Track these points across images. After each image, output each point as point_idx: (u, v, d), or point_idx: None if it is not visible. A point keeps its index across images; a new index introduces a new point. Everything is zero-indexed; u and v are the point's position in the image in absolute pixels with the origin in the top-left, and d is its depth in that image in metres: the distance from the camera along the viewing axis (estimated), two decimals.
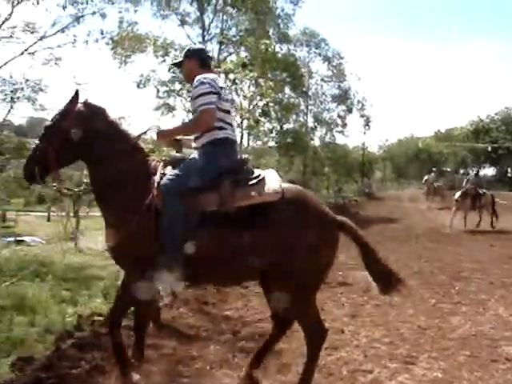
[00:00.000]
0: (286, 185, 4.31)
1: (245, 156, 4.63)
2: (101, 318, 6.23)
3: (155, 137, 4.54)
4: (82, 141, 4.25)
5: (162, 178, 4.15)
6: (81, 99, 4.36)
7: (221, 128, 4.29)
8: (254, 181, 4.15)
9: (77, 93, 4.36)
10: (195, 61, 4.53)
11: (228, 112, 4.41)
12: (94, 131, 4.29)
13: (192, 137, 4.51)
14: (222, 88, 4.36)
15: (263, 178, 4.19)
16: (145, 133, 4.78)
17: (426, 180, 32.75)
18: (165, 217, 4.00)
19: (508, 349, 5.74)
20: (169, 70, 20.24)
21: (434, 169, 36.98)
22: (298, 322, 4.35)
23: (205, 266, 4.07)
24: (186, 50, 4.70)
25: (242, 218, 4.01)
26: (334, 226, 4.34)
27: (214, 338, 5.97)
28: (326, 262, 4.31)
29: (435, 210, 27.93)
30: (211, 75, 4.35)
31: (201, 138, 4.34)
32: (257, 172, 4.28)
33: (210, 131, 4.28)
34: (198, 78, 4.31)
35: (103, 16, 14.03)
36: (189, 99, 21.47)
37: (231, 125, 4.44)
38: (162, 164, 4.37)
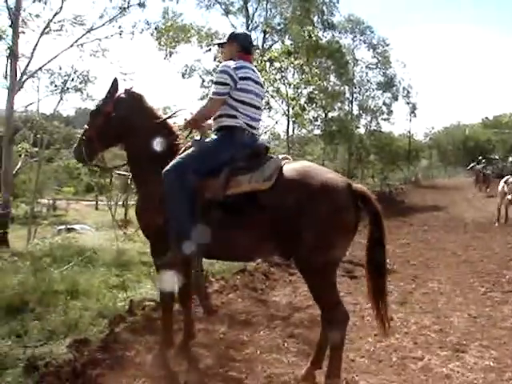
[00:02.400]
0: (291, 164, 4.28)
1: (263, 144, 4.66)
2: (152, 303, 6.36)
3: (183, 125, 4.81)
4: (120, 124, 4.75)
5: None
6: (121, 87, 4.80)
7: (231, 116, 4.43)
8: (253, 169, 4.19)
9: (115, 80, 4.82)
10: (236, 45, 4.61)
11: (248, 104, 4.47)
12: (130, 115, 4.75)
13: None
14: (246, 78, 4.44)
15: (263, 165, 4.19)
16: (174, 114, 5.02)
17: (471, 167, 32.16)
18: (168, 197, 4.25)
19: None
20: (214, 60, 20.29)
21: (481, 158, 36.27)
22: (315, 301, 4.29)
23: (212, 243, 4.16)
24: (229, 33, 4.75)
25: (238, 203, 4.10)
26: (339, 205, 4.01)
27: (264, 323, 6.03)
28: (333, 237, 4.01)
29: (483, 199, 27.39)
30: (236, 64, 4.43)
31: (215, 124, 4.59)
32: (267, 160, 4.28)
33: (221, 118, 4.49)
34: (221, 64, 4.53)
35: (142, 6, 14.10)
36: None
37: (252, 117, 4.51)
38: (184, 147, 4.60)
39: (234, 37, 4.67)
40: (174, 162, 4.32)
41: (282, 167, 4.17)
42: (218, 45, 5.10)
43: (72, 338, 5.15)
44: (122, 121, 4.75)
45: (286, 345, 5.26)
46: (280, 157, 4.42)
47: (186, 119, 4.75)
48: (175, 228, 4.24)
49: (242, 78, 4.40)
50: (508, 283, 8.27)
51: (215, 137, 4.55)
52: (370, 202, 4.11)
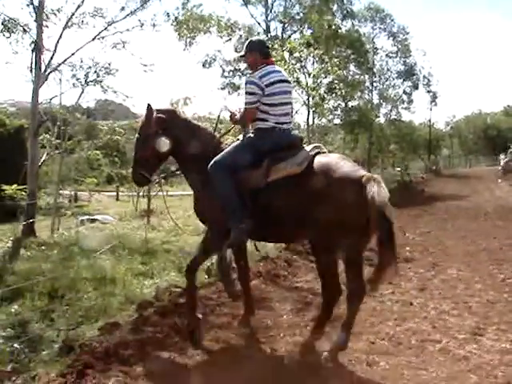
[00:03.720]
0: (324, 156, 4.93)
1: (297, 136, 5.51)
2: (177, 290, 6.57)
3: (228, 117, 5.56)
4: (165, 138, 5.34)
5: None
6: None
7: (263, 119, 5.12)
8: (288, 157, 4.88)
9: (149, 105, 5.38)
10: (256, 53, 5.24)
11: (276, 104, 5.10)
12: (172, 129, 5.40)
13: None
14: (272, 83, 5.06)
15: (297, 153, 4.90)
16: (219, 116, 5.84)
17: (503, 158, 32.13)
18: (218, 188, 4.97)
19: None
20: (235, 50, 20.45)
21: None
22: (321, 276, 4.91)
23: (258, 225, 4.89)
24: (247, 43, 5.39)
25: (278, 186, 4.79)
26: (355, 187, 4.39)
27: (287, 308, 6.24)
28: (348, 218, 4.44)
29: (505, 188, 27.27)
30: (261, 73, 5.07)
31: (251, 127, 5.29)
32: (300, 150, 4.98)
33: (254, 122, 5.19)
34: (248, 77, 5.33)
35: None
36: None
37: (280, 114, 5.14)
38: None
39: (252, 47, 5.30)
40: (216, 157, 5.05)
41: (314, 156, 4.84)
42: (241, 56, 5.60)
43: (103, 321, 5.39)
44: (168, 134, 5.36)
45: (308, 328, 5.41)
46: (311, 146, 5.03)
47: (231, 114, 5.51)
48: (228, 212, 4.92)
49: (267, 85, 5.03)
50: None
51: (252, 136, 5.21)
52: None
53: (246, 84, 5.20)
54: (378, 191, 4.27)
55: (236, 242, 5.06)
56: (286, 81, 5.28)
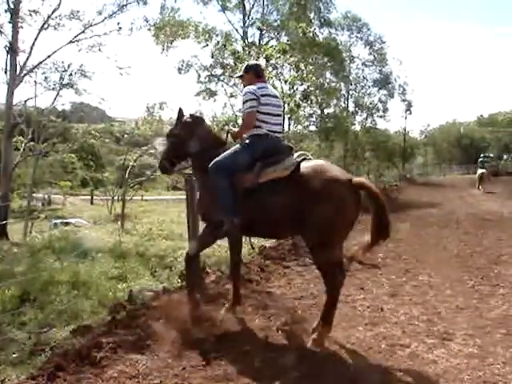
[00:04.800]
0: (308, 162, 5.53)
1: (286, 144, 6.23)
2: (150, 293, 6.58)
3: (230, 137, 6.21)
4: (188, 141, 6.12)
5: None
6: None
7: (258, 127, 5.71)
8: (277, 162, 5.50)
9: (181, 109, 6.29)
10: (252, 74, 6.00)
11: (269, 114, 5.75)
12: (194, 133, 6.13)
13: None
14: (265, 95, 5.74)
15: (285, 159, 5.52)
16: (227, 133, 6.34)
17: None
18: (215, 186, 5.58)
19: None
20: (212, 57, 20.48)
21: (484, 155, 36.66)
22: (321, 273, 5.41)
23: (249, 221, 5.53)
24: (244, 66, 6.23)
25: (268, 187, 5.40)
26: (347, 189, 5.19)
27: (260, 312, 6.29)
28: (334, 217, 5.14)
29: (477, 196, 27.67)
30: (256, 86, 5.76)
31: (247, 133, 5.87)
32: (288, 156, 5.59)
33: (252, 129, 5.75)
34: (245, 88, 5.91)
35: (145, 3, 14.22)
36: (230, 83, 21.87)
37: (273, 123, 5.80)
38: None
39: (249, 68, 6.07)
40: (217, 159, 5.67)
41: (300, 162, 5.46)
42: (239, 76, 6.49)
43: (75, 324, 5.39)
44: (191, 138, 6.12)
45: (279, 332, 5.51)
46: (297, 153, 5.70)
47: (233, 132, 6.19)
48: (223, 207, 5.54)
49: (262, 95, 5.71)
50: (496, 277, 8.45)
51: (247, 141, 5.80)
52: (370, 192, 5.26)
53: (244, 94, 5.81)
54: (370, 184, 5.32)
55: (228, 233, 5.73)
56: (277, 96, 6.04)
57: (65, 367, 4.25)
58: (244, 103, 5.75)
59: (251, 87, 5.75)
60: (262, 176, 5.46)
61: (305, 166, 5.39)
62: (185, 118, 6.30)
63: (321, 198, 5.12)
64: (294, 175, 5.35)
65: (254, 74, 6.00)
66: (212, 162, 5.64)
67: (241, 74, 6.31)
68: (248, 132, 5.82)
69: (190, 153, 6.20)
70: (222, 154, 5.73)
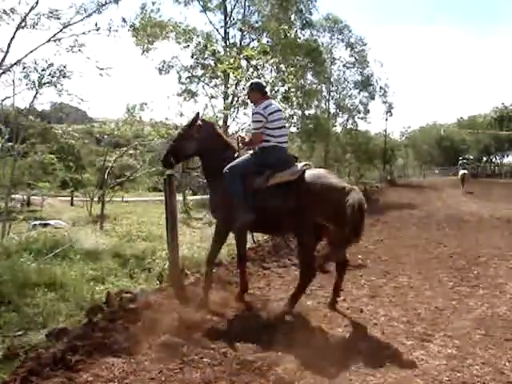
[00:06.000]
0: (312, 170, 6.54)
1: (292, 155, 7.16)
2: (128, 295, 6.51)
3: (240, 144, 7.05)
4: (197, 142, 6.89)
5: None
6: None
7: (267, 140, 6.65)
8: (284, 170, 6.42)
9: (197, 114, 7.09)
10: (257, 92, 6.87)
11: (275, 128, 6.65)
12: (205, 137, 6.89)
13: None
14: (272, 112, 6.62)
15: (290, 167, 6.46)
16: (238, 140, 7.17)
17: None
18: (229, 187, 6.46)
19: None
20: (192, 57, 20.39)
21: (462, 157, 37.06)
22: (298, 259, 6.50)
23: (259, 218, 6.37)
24: (250, 85, 7.07)
25: (277, 189, 6.32)
26: (340, 195, 5.99)
27: (239, 313, 6.27)
28: (331, 221, 6.08)
29: (457, 197, 27.88)
30: (263, 105, 6.65)
31: (257, 146, 6.79)
32: (293, 165, 6.55)
33: (261, 143, 6.69)
34: (254, 108, 6.78)
35: (116, 1, 14.03)
36: (211, 84, 21.84)
37: (279, 136, 6.70)
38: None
39: (254, 87, 6.92)
40: (231, 164, 6.56)
41: (305, 170, 6.39)
42: (246, 95, 7.44)
43: (51, 327, 5.29)
44: (199, 141, 6.89)
45: (258, 332, 5.50)
46: (302, 163, 6.65)
47: (243, 141, 7.04)
48: (235, 205, 6.39)
49: (269, 114, 6.60)
50: (475, 278, 8.50)
51: (257, 151, 6.73)
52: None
53: (252, 114, 6.77)
54: (356, 196, 5.99)
55: (239, 228, 6.68)
56: (280, 110, 6.89)
57: (38, 371, 4.17)
58: (253, 122, 6.73)
59: (260, 109, 6.62)
60: (271, 180, 6.40)
61: (308, 173, 6.33)
62: (198, 121, 6.98)
63: (319, 200, 6.05)
64: (300, 180, 6.26)
65: (260, 93, 6.84)
66: (226, 167, 6.51)
67: (247, 92, 7.11)
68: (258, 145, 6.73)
69: (201, 154, 7.02)
70: (236, 160, 6.65)
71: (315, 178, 6.25)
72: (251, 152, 6.83)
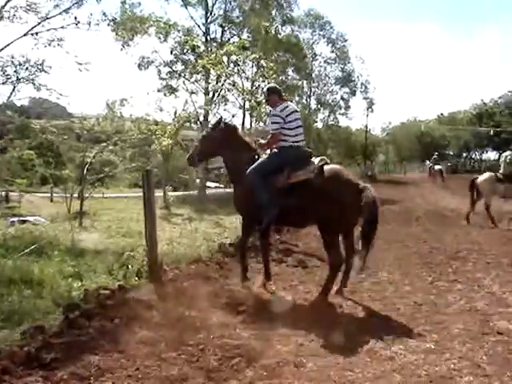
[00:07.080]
0: (329, 166, 6.99)
1: (309, 151, 7.48)
2: (106, 292, 6.43)
3: (260, 146, 7.65)
4: (220, 144, 7.59)
5: None
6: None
7: (284, 140, 7.17)
8: (303, 167, 6.90)
9: (221, 118, 8.26)
10: (274, 95, 7.42)
11: (292, 129, 7.16)
12: (227, 138, 7.55)
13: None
14: (289, 114, 7.15)
15: (309, 164, 6.94)
16: (256, 142, 7.75)
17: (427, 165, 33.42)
18: (253, 187, 7.02)
19: (500, 323, 5.89)
20: (171, 53, 20.28)
21: (435, 153, 37.31)
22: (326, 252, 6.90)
23: (282, 213, 6.95)
24: (268, 88, 7.71)
25: (298, 186, 6.81)
26: (355, 191, 6.63)
27: (218, 307, 6.25)
28: (347, 214, 6.70)
29: (436, 193, 28.06)
30: (281, 107, 7.19)
31: (276, 146, 7.35)
32: (311, 160, 7.03)
33: (278, 143, 7.25)
34: (273, 110, 7.33)
35: None
36: (192, 80, 21.75)
37: (295, 135, 7.19)
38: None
39: (272, 91, 7.49)
40: (253, 166, 7.15)
41: (323, 165, 6.88)
42: (265, 99, 7.92)
43: (27, 325, 5.21)
44: (223, 142, 7.54)
45: (237, 330, 5.49)
46: (319, 158, 7.05)
47: (261, 143, 7.56)
48: (261, 204, 6.95)
49: (286, 115, 7.14)
50: (454, 273, 8.56)
51: (276, 151, 7.30)
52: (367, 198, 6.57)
53: (271, 116, 7.40)
54: (370, 194, 6.59)
55: (267, 224, 7.21)
56: (296, 111, 7.40)
57: (11, 370, 4.10)
58: (272, 123, 7.23)
59: (278, 111, 7.17)
60: (292, 178, 6.89)
61: (326, 170, 6.83)
62: (221, 124, 7.69)
63: (336, 195, 6.59)
64: (318, 176, 6.76)
65: (276, 95, 7.39)
66: (250, 168, 7.10)
67: (266, 96, 7.63)
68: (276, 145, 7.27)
69: (224, 154, 7.73)
70: (257, 162, 7.22)
71: (333, 175, 6.80)
72: (270, 152, 7.44)
